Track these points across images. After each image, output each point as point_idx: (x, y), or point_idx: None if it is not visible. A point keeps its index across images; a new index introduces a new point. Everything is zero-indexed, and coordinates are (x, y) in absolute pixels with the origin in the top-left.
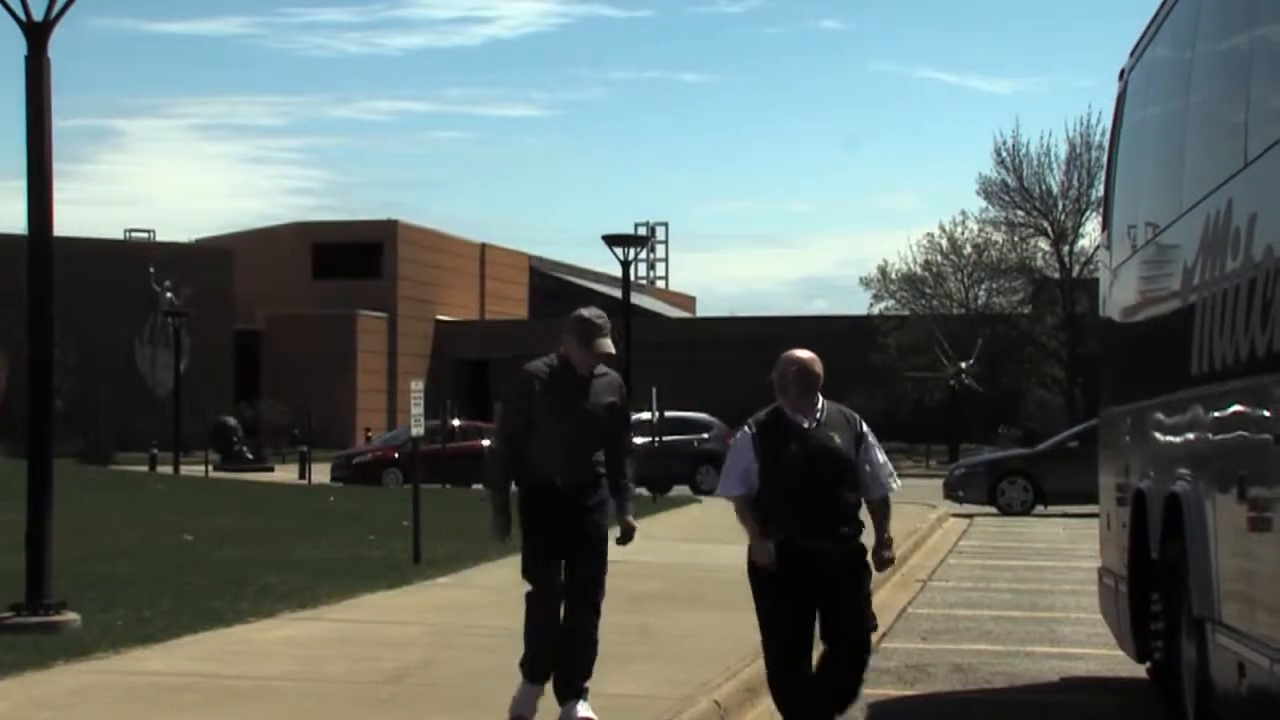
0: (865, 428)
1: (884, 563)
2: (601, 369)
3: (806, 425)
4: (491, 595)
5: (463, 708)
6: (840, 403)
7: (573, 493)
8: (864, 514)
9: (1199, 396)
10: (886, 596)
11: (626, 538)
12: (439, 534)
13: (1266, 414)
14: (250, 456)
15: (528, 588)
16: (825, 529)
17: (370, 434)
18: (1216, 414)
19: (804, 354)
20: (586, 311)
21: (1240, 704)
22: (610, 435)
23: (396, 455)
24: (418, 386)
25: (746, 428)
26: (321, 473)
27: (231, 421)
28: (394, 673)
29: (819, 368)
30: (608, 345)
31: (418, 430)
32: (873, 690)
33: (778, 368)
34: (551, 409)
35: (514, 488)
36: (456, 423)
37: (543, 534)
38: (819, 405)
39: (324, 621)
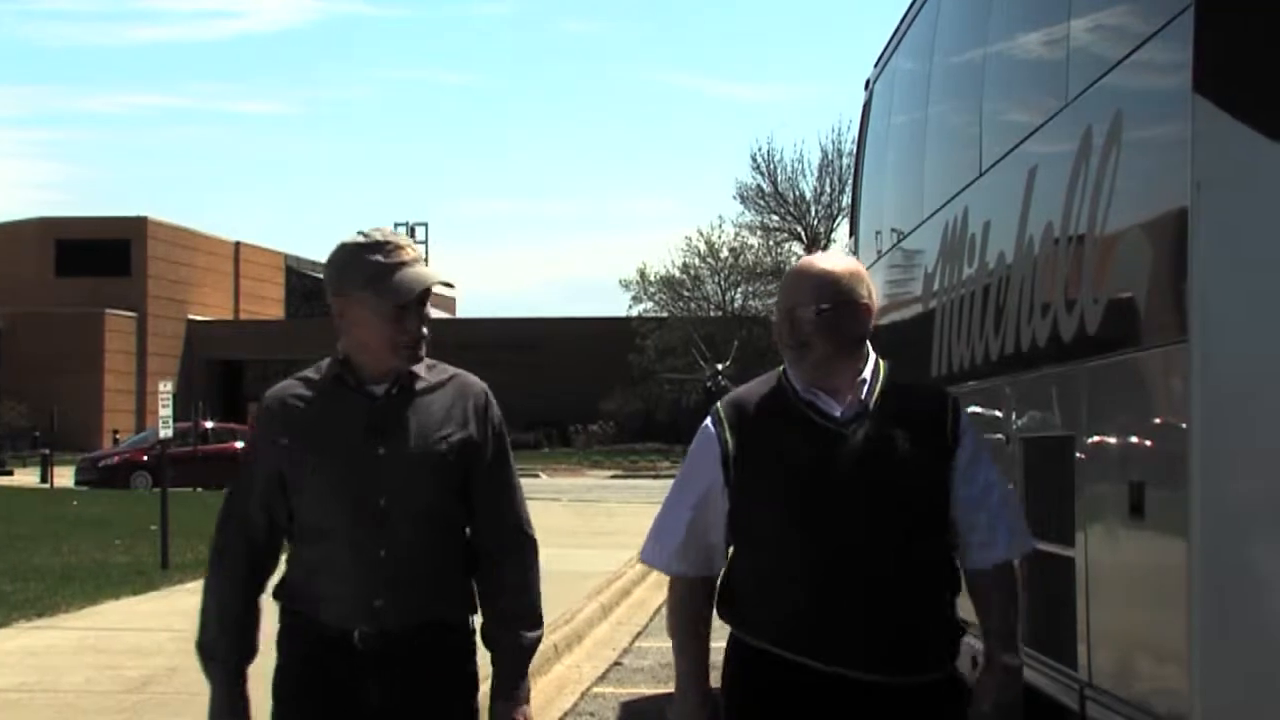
0: (964, 419)
1: (1002, 708)
2: (438, 371)
3: (839, 414)
4: None
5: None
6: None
7: (390, 658)
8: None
9: None
10: (643, 595)
11: None
12: (189, 538)
13: (998, 414)
14: None
15: None
16: (868, 641)
17: (118, 436)
18: None
19: (837, 265)
20: (365, 233)
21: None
22: (476, 511)
23: (145, 458)
24: (166, 387)
25: (709, 419)
26: (65, 476)
27: None
28: (138, 681)
29: (867, 292)
30: (429, 273)
31: (166, 432)
32: (627, 690)
33: (783, 294)
34: (326, 474)
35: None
36: (209, 424)
37: None
38: (867, 373)
39: (64, 630)
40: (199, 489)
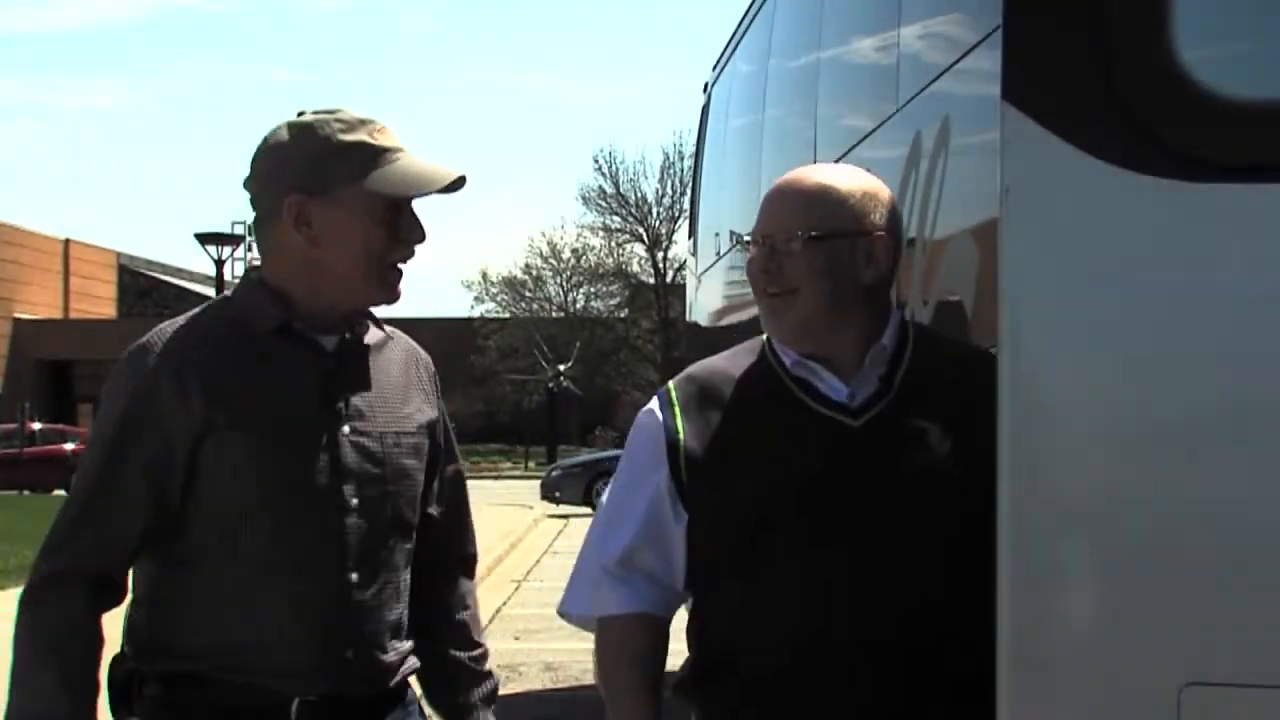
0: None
1: None
2: (383, 333)
3: (845, 397)
4: None
5: None
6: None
7: None
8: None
9: None
10: (480, 597)
11: None
12: (14, 542)
13: None
14: None
15: None
16: None
17: None
18: None
19: (839, 178)
20: (327, 110)
21: None
22: (437, 516)
23: None
24: None
25: (655, 400)
26: None
27: None
28: None
29: (886, 218)
30: (442, 166)
31: None
32: None
33: (758, 220)
34: (270, 463)
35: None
36: (36, 426)
37: None
38: (887, 337)
39: None
40: (25, 492)
